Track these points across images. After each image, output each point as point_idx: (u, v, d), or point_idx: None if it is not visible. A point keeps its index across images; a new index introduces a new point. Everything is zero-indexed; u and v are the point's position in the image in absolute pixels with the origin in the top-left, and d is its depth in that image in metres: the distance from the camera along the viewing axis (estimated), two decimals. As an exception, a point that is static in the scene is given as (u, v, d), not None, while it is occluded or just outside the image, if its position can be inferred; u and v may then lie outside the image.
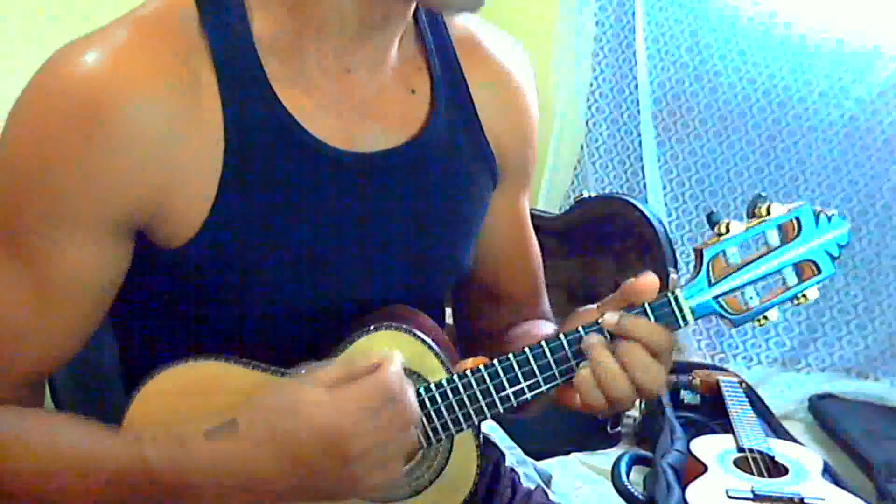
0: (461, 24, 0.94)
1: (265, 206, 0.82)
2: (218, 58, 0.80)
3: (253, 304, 0.85)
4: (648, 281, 0.82)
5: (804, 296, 0.85)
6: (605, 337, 0.81)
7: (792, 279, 0.84)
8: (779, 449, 1.73)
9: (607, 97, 2.64)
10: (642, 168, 2.59)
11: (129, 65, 0.76)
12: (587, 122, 2.65)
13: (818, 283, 0.85)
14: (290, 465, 0.76)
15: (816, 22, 2.42)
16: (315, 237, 0.85)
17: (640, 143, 2.59)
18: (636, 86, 2.58)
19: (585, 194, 2.36)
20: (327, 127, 0.84)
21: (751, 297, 0.83)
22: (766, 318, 0.85)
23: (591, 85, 2.62)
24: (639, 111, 2.57)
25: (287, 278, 0.85)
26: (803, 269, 0.84)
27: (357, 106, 0.86)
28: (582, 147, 2.66)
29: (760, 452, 1.69)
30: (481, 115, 0.93)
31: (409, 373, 0.83)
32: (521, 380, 0.83)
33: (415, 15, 0.90)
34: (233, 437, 0.76)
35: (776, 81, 2.48)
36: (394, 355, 0.79)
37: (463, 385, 0.83)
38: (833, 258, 0.84)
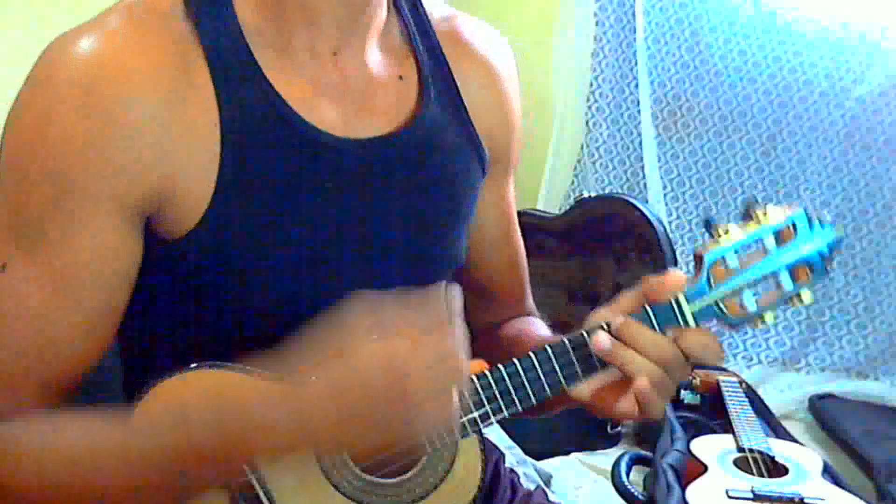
0: (441, 14, 0.95)
1: (264, 194, 0.82)
2: (208, 46, 0.80)
3: (253, 296, 0.85)
4: (676, 276, 0.82)
5: (799, 298, 0.86)
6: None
7: (787, 282, 0.85)
8: (779, 449, 1.73)
9: (607, 97, 2.64)
10: (642, 168, 2.59)
11: (126, 48, 0.77)
12: (587, 122, 2.65)
13: (812, 285, 0.86)
14: (348, 407, 0.75)
15: (818, 21, 2.42)
16: (314, 225, 0.85)
17: (640, 143, 2.59)
18: (636, 85, 2.57)
19: (585, 194, 2.36)
20: (322, 114, 0.84)
21: (748, 300, 0.84)
22: (762, 320, 0.85)
23: (591, 85, 2.62)
24: (639, 111, 2.57)
25: (287, 267, 0.85)
26: (798, 272, 0.85)
27: (349, 93, 0.86)
28: (582, 147, 2.66)
29: (760, 452, 1.70)
30: (467, 103, 0.93)
31: None
32: (528, 385, 0.82)
33: (398, 9, 0.92)
34: (279, 383, 0.76)
35: (777, 81, 2.48)
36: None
37: (468, 392, 0.82)
38: (826, 261, 0.85)
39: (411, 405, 0.75)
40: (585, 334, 0.82)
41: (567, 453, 2.03)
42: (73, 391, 0.83)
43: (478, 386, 0.82)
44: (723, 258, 0.83)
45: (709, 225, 0.83)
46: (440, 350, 0.76)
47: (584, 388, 0.84)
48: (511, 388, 0.83)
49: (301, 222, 0.84)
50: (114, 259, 0.80)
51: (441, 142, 0.91)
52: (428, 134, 0.90)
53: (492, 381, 0.83)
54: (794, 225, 0.84)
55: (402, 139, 0.88)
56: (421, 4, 0.93)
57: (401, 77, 0.90)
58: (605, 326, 0.82)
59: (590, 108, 2.64)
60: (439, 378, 0.75)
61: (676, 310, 0.82)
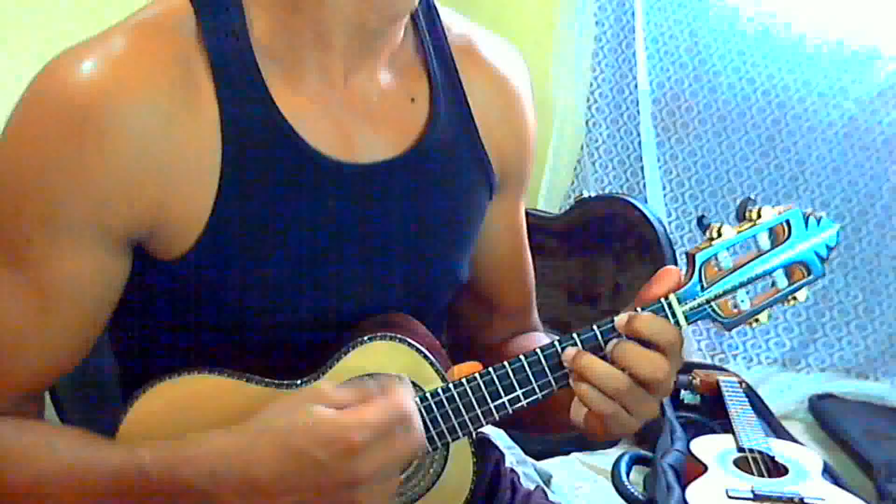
0: (459, 30, 0.93)
1: (263, 215, 0.82)
2: (216, 62, 0.79)
3: (251, 314, 0.84)
4: (668, 272, 0.82)
5: (794, 297, 0.85)
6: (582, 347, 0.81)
7: (782, 281, 0.84)
8: (779, 449, 1.73)
9: (607, 97, 2.64)
10: (642, 168, 2.59)
11: (126, 72, 0.76)
12: (587, 122, 2.65)
13: (807, 284, 0.85)
14: (294, 474, 0.74)
15: (816, 22, 2.42)
16: (313, 247, 0.85)
17: (639, 144, 2.59)
18: (636, 86, 2.58)
19: (585, 194, 2.36)
20: (325, 134, 0.83)
21: (742, 300, 0.84)
22: (756, 320, 0.85)
23: (591, 85, 2.62)
24: (639, 111, 2.57)
25: (285, 288, 0.84)
26: (793, 271, 0.85)
27: (357, 113, 0.85)
28: (582, 147, 2.66)
29: (760, 452, 1.70)
30: (479, 122, 0.92)
31: None
32: (517, 387, 0.82)
33: (415, 22, 0.90)
34: (231, 434, 0.76)
35: (775, 82, 2.48)
36: (405, 381, 0.79)
37: (458, 394, 0.82)
38: (822, 260, 0.84)
39: (356, 487, 0.75)
40: (557, 345, 0.82)
41: (567, 453, 2.03)
42: (42, 395, 0.85)
43: (467, 388, 0.82)
44: (715, 258, 0.82)
45: (702, 224, 0.83)
46: (401, 439, 0.76)
47: (581, 413, 0.83)
48: (501, 390, 0.82)
49: (299, 242, 0.84)
50: (96, 283, 0.80)
51: (447, 163, 0.90)
52: (434, 158, 0.89)
53: (481, 384, 0.82)
54: (788, 224, 0.83)
55: (406, 162, 0.87)
56: (438, 17, 0.92)
57: (413, 99, 0.89)
58: (559, 349, 0.81)
59: (590, 108, 2.64)
60: (388, 465, 0.76)
61: (668, 310, 0.81)
